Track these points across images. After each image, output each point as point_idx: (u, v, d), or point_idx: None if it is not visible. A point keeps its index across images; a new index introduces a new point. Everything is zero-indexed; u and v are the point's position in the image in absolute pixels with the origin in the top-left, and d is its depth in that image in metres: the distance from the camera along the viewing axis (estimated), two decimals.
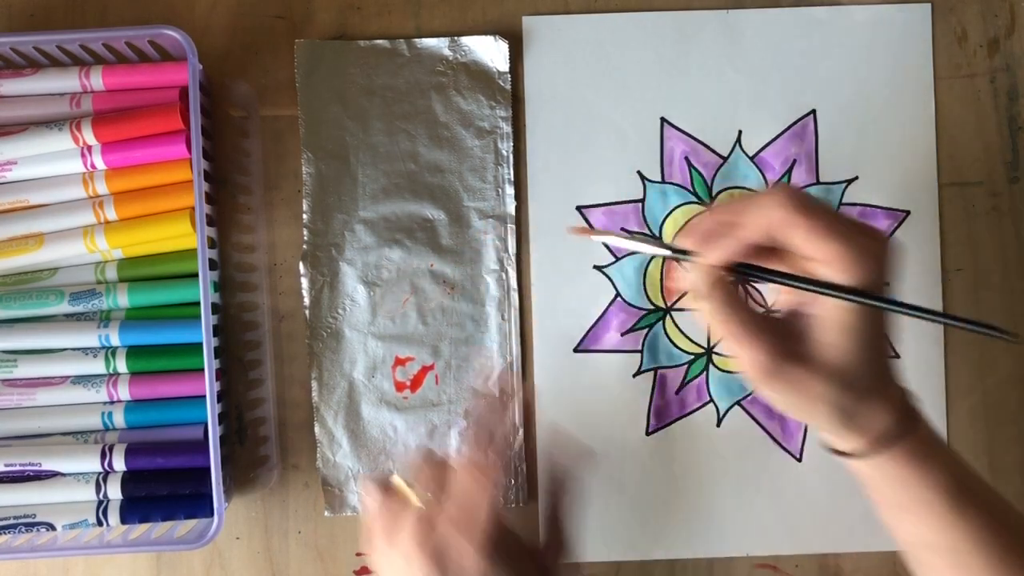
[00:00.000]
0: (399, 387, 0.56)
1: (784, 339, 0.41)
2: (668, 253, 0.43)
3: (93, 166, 0.53)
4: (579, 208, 0.56)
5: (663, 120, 0.56)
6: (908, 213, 0.56)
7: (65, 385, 0.53)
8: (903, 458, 0.42)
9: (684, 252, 0.42)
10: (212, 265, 0.53)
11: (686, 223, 0.44)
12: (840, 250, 0.38)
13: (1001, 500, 0.44)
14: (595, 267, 0.56)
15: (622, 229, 0.56)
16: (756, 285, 0.55)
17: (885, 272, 0.40)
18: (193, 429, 0.53)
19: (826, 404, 0.41)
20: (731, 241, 0.41)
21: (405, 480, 0.45)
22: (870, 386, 0.41)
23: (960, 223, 0.56)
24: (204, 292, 0.49)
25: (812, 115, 0.56)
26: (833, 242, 0.39)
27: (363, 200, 0.56)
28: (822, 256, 0.39)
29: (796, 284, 0.40)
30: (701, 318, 0.42)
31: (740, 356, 0.41)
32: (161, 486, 0.52)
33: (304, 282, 0.56)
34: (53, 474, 0.52)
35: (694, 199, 0.56)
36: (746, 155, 0.56)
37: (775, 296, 0.42)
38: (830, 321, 0.40)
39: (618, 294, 0.56)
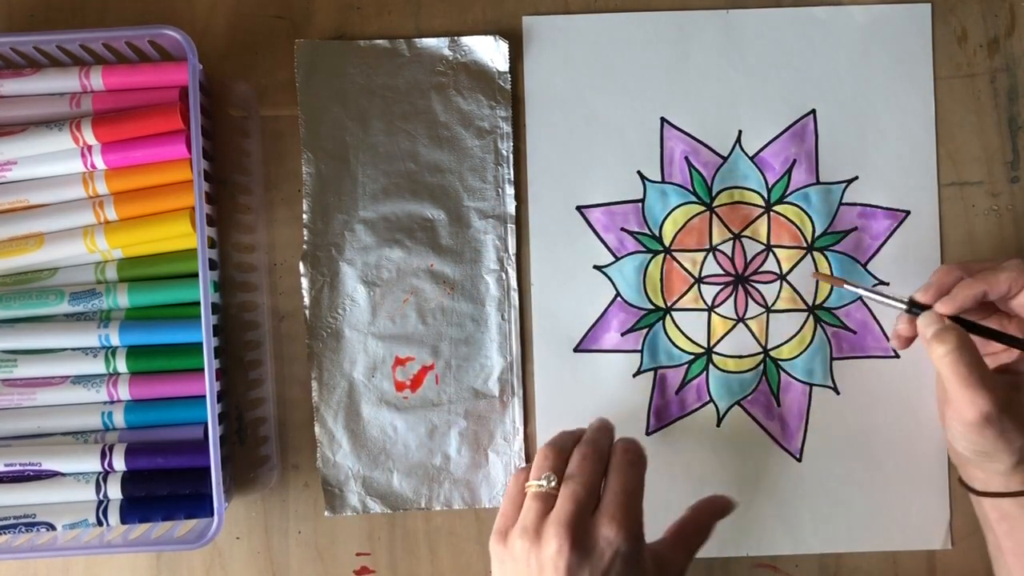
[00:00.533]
0: (399, 387, 0.56)
1: (1003, 392, 0.45)
2: (904, 307, 0.50)
3: (93, 166, 0.53)
4: (579, 208, 0.56)
5: (663, 120, 0.56)
6: (908, 213, 0.56)
7: (65, 385, 0.53)
8: None
9: (922, 306, 0.49)
10: (212, 265, 0.53)
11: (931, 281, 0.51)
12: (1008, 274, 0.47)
13: None
14: (595, 267, 0.56)
15: (622, 229, 0.56)
16: None
17: None
18: (193, 429, 0.53)
19: (1016, 452, 0.46)
20: (967, 294, 0.47)
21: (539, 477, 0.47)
22: None
23: (960, 223, 0.56)
24: (204, 292, 0.49)
25: (812, 115, 0.56)
26: None
27: (363, 200, 0.56)
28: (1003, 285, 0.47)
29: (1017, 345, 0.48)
30: (937, 363, 0.47)
31: (964, 399, 0.45)
32: (161, 486, 0.52)
33: (304, 282, 0.56)
34: (53, 474, 0.52)
35: (694, 199, 0.56)
36: (746, 155, 0.56)
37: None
38: None
39: (618, 294, 0.56)
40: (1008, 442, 0.46)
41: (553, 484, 0.46)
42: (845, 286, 0.52)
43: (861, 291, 0.52)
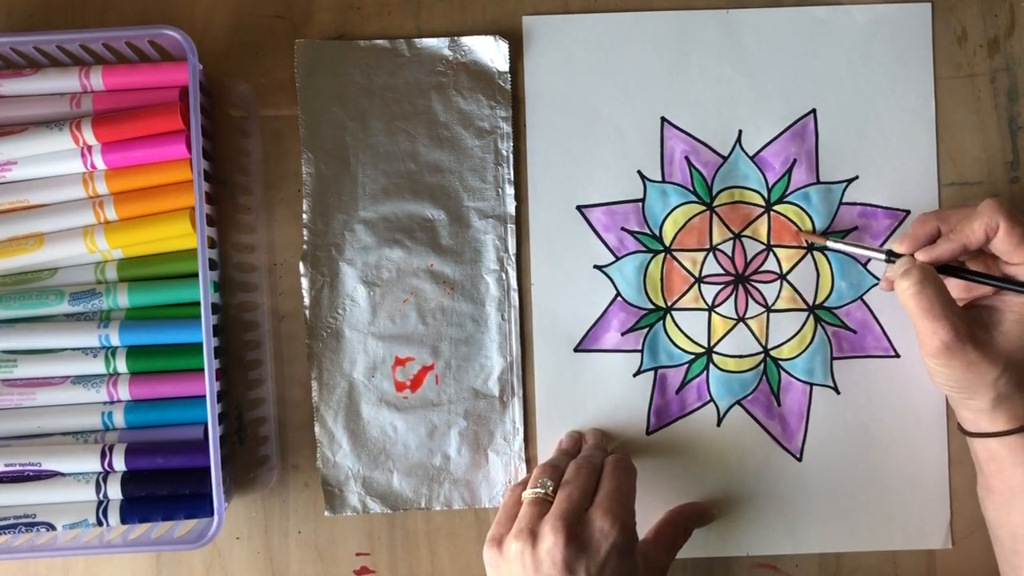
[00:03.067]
0: (399, 387, 0.56)
1: (967, 323, 0.47)
2: (883, 257, 0.51)
3: (93, 166, 0.53)
4: (579, 208, 0.56)
5: (663, 120, 0.56)
6: (908, 213, 0.56)
7: (65, 385, 0.53)
8: None
9: (898, 255, 0.51)
10: (212, 265, 0.53)
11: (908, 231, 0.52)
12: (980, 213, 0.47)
13: None
14: (595, 267, 0.56)
15: (622, 229, 0.56)
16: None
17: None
18: (193, 429, 0.53)
19: (989, 386, 0.47)
20: (946, 248, 0.48)
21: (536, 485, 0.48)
22: None
23: None
24: (204, 292, 0.49)
25: (812, 115, 0.56)
26: None
27: (363, 200, 0.56)
28: (1016, 259, 0.47)
29: (995, 284, 0.49)
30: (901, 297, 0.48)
31: (925, 330, 0.47)
32: (161, 486, 0.52)
33: (304, 282, 0.56)
34: (53, 474, 0.52)
35: (694, 198, 0.56)
36: (746, 155, 0.56)
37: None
38: (1013, 315, 0.48)
39: (618, 293, 0.56)
40: (978, 375, 0.47)
41: (550, 489, 0.47)
42: (828, 243, 0.54)
43: (842, 246, 0.54)
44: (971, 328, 0.47)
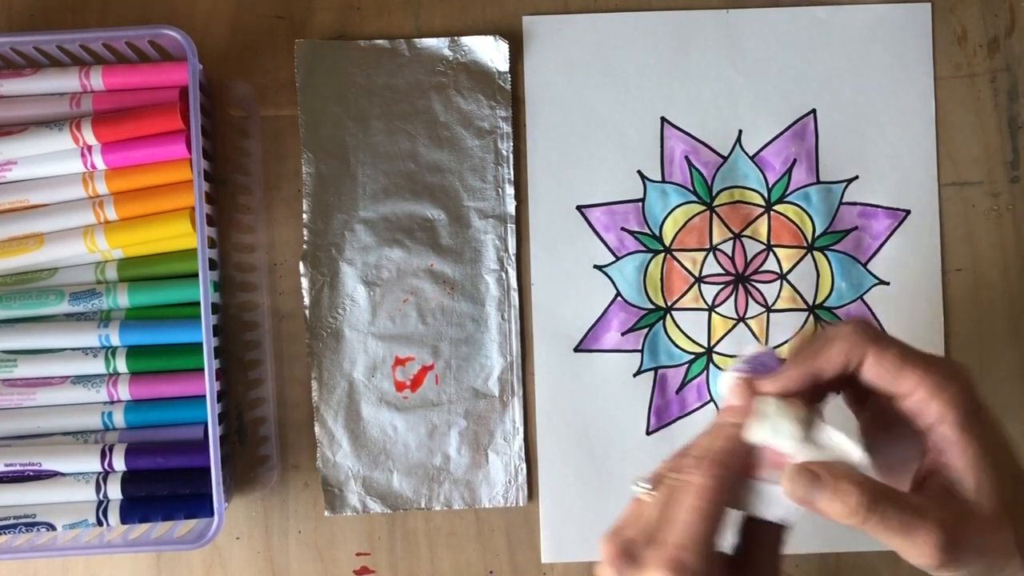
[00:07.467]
0: (399, 387, 0.56)
1: (948, 510, 0.34)
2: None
3: (93, 166, 0.53)
4: (579, 208, 0.56)
5: (663, 120, 0.56)
6: (908, 213, 0.56)
7: (65, 385, 0.53)
8: None
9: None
10: (212, 265, 0.53)
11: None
12: (920, 376, 0.34)
13: None
14: (595, 267, 0.56)
15: (622, 229, 0.56)
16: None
17: (974, 395, 0.35)
18: (193, 429, 0.53)
19: (1012, 551, 0.34)
20: (794, 375, 0.36)
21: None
22: None
23: (960, 223, 0.56)
24: (204, 292, 0.49)
25: (812, 115, 0.56)
26: (911, 371, 0.35)
27: (363, 200, 0.56)
28: (903, 389, 0.35)
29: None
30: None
31: (910, 548, 0.34)
32: (161, 486, 0.52)
33: (304, 282, 0.56)
34: (53, 474, 0.52)
35: (694, 198, 0.56)
36: (746, 154, 0.56)
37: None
38: (968, 462, 0.34)
39: (618, 293, 0.56)
40: (991, 547, 0.34)
41: None
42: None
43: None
44: (953, 509, 0.34)
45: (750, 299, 0.56)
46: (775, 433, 0.36)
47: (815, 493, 0.35)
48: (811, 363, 0.36)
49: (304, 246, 0.56)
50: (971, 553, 0.34)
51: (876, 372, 0.35)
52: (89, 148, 0.52)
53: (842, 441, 0.36)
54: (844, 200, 0.56)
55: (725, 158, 0.56)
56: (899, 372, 0.35)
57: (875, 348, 0.35)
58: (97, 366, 0.53)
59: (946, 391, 0.34)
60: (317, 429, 0.55)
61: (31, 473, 0.52)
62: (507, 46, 0.56)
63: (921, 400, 0.35)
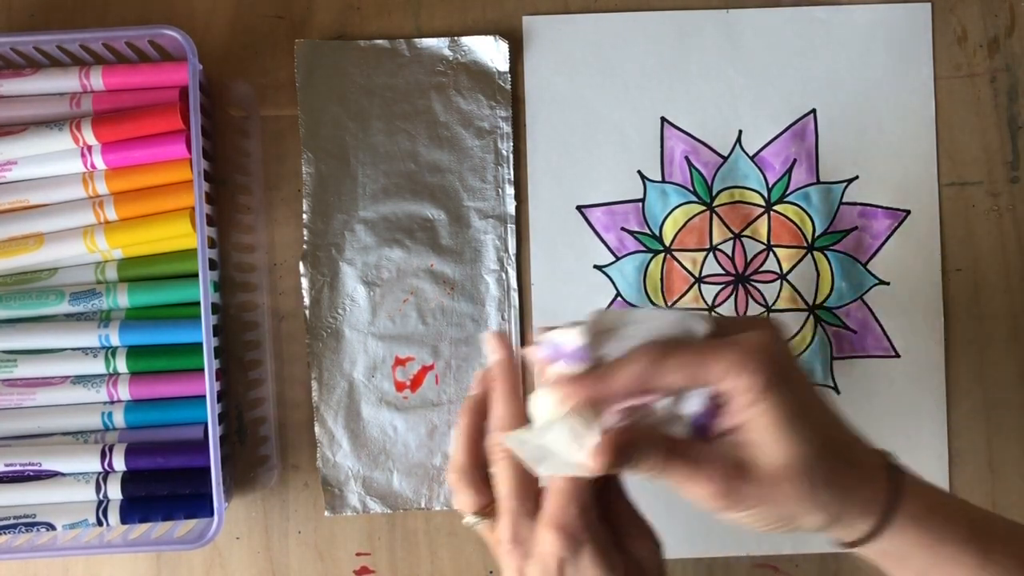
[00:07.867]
0: (399, 387, 0.56)
1: (730, 462, 0.37)
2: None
3: (93, 166, 0.53)
4: (579, 208, 0.56)
5: (663, 120, 0.56)
6: (908, 213, 0.56)
7: (65, 385, 0.53)
8: (911, 524, 0.38)
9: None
10: (212, 265, 0.53)
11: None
12: (725, 366, 0.36)
13: (1019, 527, 0.40)
14: (595, 267, 0.56)
15: (622, 229, 0.56)
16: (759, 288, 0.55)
17: (781, 354, 0.37)
18: (193, 429, 0.53)
19: (804, 504, 0.37)
20: (625, 377, 0.37)
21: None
22: (841, 469, 0.38)
23: (960, 223, 0.56)
24: (204, 292, 0.49)
25: (812, 115, 0.56)
26: (713, 363, 0.36)
27: (363, 200, 0.56)
28: (711, 379, 0.36)
29: None
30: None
31: (691, 491, 0.37)
32: (161, 486, 0.52)
33: (304, 282, 0.56)
34: (53, 474, 0.52)
35: (694, 198, 0.56)
36: (746, 155, 0.56)
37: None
38: (760, 423, 0.36)
39: (618, 293, 0.56)
40: (776, 501, 0.37)
41: None
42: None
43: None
44: (738, 464, 0.37)
45: (750, 299, 0.56)
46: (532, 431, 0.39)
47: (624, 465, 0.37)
48: (608, 384, 0.37)
49: (304, 246, 0.56)
50: (750, 500, 0.37)
51: (680, 376, 0.36)
52: (89, 148, 0.52)
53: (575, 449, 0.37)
54: (844, 200, 0.56)
55: (725, 158, 0.56)
56: (699, 368, 0.36)
57: (669, 359, 0.36)
58: (97, 366, 0.53)
59: (745, 368, 0.36)
60: (317, 429, 0.55)
61: (31, 473, 0.52)
62: (507, 46, 0.56)
63: (729, 384, 0.36)
